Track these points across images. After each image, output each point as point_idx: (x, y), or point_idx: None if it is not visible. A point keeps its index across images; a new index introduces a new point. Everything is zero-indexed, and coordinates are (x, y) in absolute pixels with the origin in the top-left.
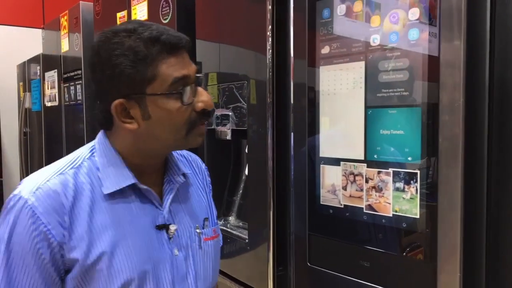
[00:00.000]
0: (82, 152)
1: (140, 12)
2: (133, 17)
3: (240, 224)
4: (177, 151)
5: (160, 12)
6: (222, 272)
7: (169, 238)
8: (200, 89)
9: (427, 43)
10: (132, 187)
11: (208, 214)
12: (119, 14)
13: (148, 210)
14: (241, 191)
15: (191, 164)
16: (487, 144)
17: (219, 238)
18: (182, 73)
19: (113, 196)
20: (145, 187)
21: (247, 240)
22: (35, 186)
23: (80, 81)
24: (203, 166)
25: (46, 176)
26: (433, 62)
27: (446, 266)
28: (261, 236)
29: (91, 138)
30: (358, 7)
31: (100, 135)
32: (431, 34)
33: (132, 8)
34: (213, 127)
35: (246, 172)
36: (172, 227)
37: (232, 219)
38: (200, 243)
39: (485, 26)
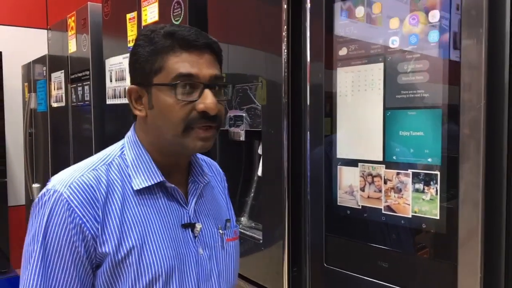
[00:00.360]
0: (113, 149)
1: (151, 13)
2: (143, 18)
3: (253, 224)
4: (200, 156)
5: (171, 13)
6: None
7: (195, 237)
8: (207, 91)
9: (447, 45)
10: (159, 185)
11: (229, 216)
12: (128, 15)
13: (174, 209)
14: (253, 192)
15: (210, 167)
16: (507, 146)
17: (239, 240)
18: (189, 71)
19: (142, 193)
20: (172, 185)
21: (261, 241)
22: (69, 180)
23: (88, 82)
24: (221, 171)
25: (79, 172)
26: (453, 64)
27: (467, 267)
28: (276, 237)
29: (99, 138)
30: (376, 9)
31: (130, 130)
32: (451, 36)
33: (143, 9)
34: (226, 128)
35: (259, 173)
36: (198, 226)
37: (244, 219)
38: (222, 244)
39: (504, 28)
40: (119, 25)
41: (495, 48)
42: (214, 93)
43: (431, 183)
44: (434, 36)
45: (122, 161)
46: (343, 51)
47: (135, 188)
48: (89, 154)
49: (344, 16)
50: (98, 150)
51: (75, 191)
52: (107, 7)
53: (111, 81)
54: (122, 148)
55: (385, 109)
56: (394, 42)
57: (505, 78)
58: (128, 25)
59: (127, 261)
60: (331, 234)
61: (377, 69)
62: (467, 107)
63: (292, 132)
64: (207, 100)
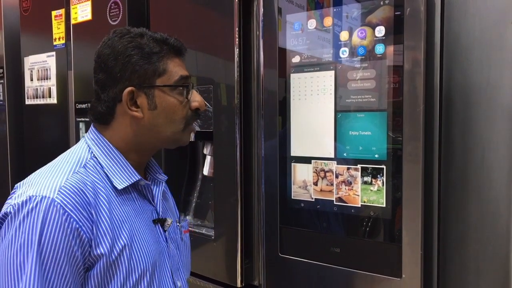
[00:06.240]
0: (81, 152)
1: (83, 11)
2: (72, 17)
3: (199, 222)
4: None
5: (108, 13)
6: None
7: (164, 232)
8: (196, 92)
9: (392, 56)
10: (133, 183)
11: (180, 210)
12: (54, 12)
13: (145, 206)
14: (197, 191)
15: None
16: (438, 143)
17: None
18: (186, 74)
19: (121, 192)
20: (148, 182)
21: (212, 237)
22: (57, 185)
23: (2, 81)
24: None
25: (62, 176)
26: (397, 73)
27: (409, 246)
28: (227, 232)
29: (15, 140)
30: (328, 22)
31: (91, 133)
32: (395, 48)
33: (72, 7)
34: None
35: (205, 172)
36: (169, 220)
37: (189, 218)
38: (181, 236)
39: (434, 44)
40: (43, 22)
41: (430, 60)
42: None
43: (378, 176)
44: (380, 48)
45: (95, 163)
46: (296, 59)
47: (118, 188)
48: (4, 156)
49: (298, 27)
50: (16, 152)
51: (67, 195)
52: (27, 3)
53: (31, 80)
54: (90, 150)
55: (336, 111)
56: (344, 53)
57: (437, 85)
58: (54, 22)
59: (120, 260)
60: (286, 226)
61: (329, 76)
62: (409, 110)
63: (245, 133)
64: (198, 98)
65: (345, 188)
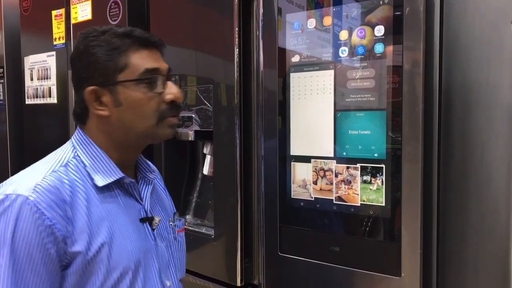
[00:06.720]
0: (64, 152)
1: (83, 11)
2: (72, 16)
3: (198, 222)
4: None
5: (108, 13)
6: (189, 271)
7: (153, 230)
8: (170, 82)
9: (391, 55)
10: (115, 182)
11: (174, 209)
12: (54, 12)
13: (131, 204)
14: (197, 191)
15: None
16: (437, 142)
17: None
18: (153, 65)
19: (103, 190)
20: (132, 180)
21: (212, 236)
22: (32, 183)
23: (2, 80)
24: (155, 168)
25: (39, 175)
26: (396, 72)
27: (409, 245)
28: (227, 232)
29: (15, 139)
30: (327, 21)
31: (77, 134)
32: (395, 48)
33: (72, 6)
34: None
35: (205, 171)
36: (157, 218)
37: (189, 217)
38: (175, 235)
39: (432, 44)
40: (42, 22)
41: (430, 60)
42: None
43: (377, 175)
44: (379, 48)
45: (78, 162)
46: (295, 58)
47: (99, 185)
48: (4, 156)
49: (297, 26)
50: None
51: (42, 194)
52: (27, 2)
53: (31, 79)
54: (74, 150)
55: (336, 110)
56: (344, 52)
57: (436, 85)
58: (54, 22)
59: (98, 258)
60: (285, 225)
61: (328, 75)
62: (408, 109)
63: (245, 133)
64: (173, 90)
65: (344, 187)
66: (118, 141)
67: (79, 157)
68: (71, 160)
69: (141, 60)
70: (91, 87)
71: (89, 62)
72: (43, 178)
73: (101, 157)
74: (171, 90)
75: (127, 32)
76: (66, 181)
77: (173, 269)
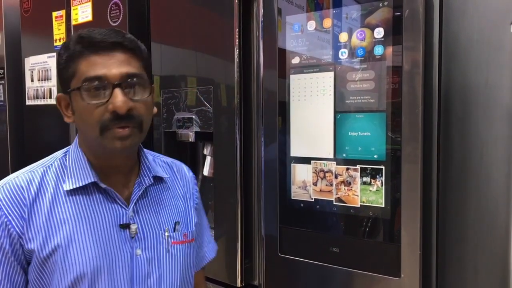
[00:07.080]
0: (57, 153)
1: (83, 12)
2: (73, 17)
3: None
4: (161, 159)
5: (108, 14)
6: None
7: (132, 238)
8: (116, 91)
9: (391, 57)
10: (96, 186)
11: (181, 219)
12: (55, 13)
13: (113, 209)
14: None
15: (172, 170)
16: (437, 143)
17: (193, 244)
18: (96, 73)
19: (76, 193)
20: (106, 186)
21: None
22: (4, 182)
23: (3, 81)
24: (190, 174)
25: (16, 174)
26: (396, 74)
27: (408, 246)
28: (227, 232)
29: (16, 140)
30: (327, 23)
31: (77, 136)
32: (394, 49)
33: (73, 8)
34: (173, 129)
35: (205, 172)
36: (133, 226)
37: None
38: (167, 246)
39: (432, 45)
40: (43, 23)
41: (429, 61)
42: (127, 92)
43: (377, 176)
44: (379, 49)
45: (61, 164)
46: (295, 60)
47: (65, 189)
48: (4, 156)
49: (297, 28)
50: (16, 152)
51: (6, 191)
52: (27, 3)
53: (32, 80)
54: (66, 151)
55: (336, 112)
56: (343, 54)
57: (435, 87)
58: (55, 23)
59: (52, 259)
60: (285, 225)
61: (328, 77)
62: (408, 111)
63: (245, 134)
64: (116, 99)
65: (344, 189)
66: (90, 147)
67: (65, 159)
68: (57, 161)
69: (86, 68)
70: (58, 94)
71: (58, 72)
72: (16, 177)
73: (80, 160)
74: (113, 100)
75: (80, 36)
76: (36, 182)
77: (155, 282)
